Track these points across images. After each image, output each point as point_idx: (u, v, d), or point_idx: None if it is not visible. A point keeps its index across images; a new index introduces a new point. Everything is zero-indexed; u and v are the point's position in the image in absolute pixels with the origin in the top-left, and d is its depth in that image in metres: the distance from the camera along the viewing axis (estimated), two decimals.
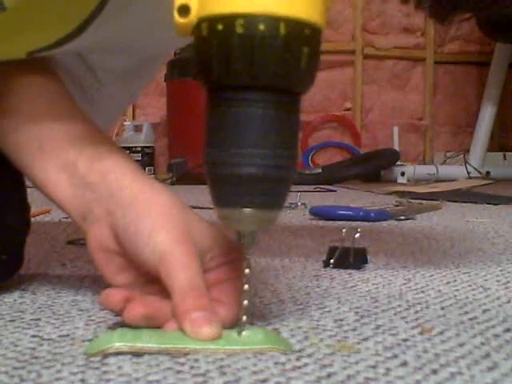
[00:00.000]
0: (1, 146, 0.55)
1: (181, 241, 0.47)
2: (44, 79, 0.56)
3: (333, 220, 1.19)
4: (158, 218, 0.48)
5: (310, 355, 0.42)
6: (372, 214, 1.21)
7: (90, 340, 0.45)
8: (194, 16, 0.41)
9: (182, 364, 0.40)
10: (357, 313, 0.53)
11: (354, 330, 0.48)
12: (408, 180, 2.51)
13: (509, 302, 0.58)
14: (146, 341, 0.42)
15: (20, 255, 0.61)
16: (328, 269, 0.72)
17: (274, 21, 0.40)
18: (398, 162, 2.62)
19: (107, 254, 0.50)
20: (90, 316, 0.52)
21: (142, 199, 0.49)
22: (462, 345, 0.45)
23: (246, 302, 0.44)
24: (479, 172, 2.65)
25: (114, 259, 0.50)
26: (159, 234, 0.47)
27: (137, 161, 2.64)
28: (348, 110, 3.05)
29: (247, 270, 0.44)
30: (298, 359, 0.41)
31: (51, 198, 0.54)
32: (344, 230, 0.74)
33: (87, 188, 0.52)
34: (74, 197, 0.52)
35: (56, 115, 0.55)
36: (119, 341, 0.42)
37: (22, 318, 0.50)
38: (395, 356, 0.42)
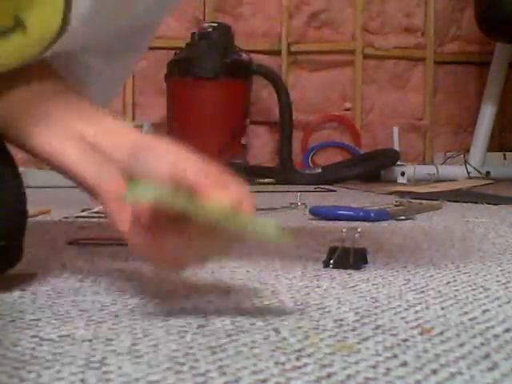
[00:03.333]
0: (3, 122, 0.58)
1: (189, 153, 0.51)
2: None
3: (333, 220, 1.19)
4: (167, 150, 0.52)
5: (309, 355, 0.42)
6: (372, 214, 1.20)
7: (89, 340, 0.45)
8: None
9: (182, 364, 0.40)
10: (357, 313, 0.53)
11: (354, 330, 0.48)
12: (408, 180, 2.51)
13: (509, 302, 0.58)
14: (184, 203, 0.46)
15: (19, 243, 0.60)
16: (328, 269, 0.72)
17: None
18: (398, 162, 2.62)
19: (120, 202, 0.53)
20: (90, 316, 0.52)
21: (150, 143, 0.53)
22: (461, 345, 0.45)
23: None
24: (479, 172, 2.65)
25: (126, 206, 0.52)
26: (170, 152, 0.51)
27: None
28: (348, 110, 3.04)
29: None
30: (297, 359, 0.41)
31: (59, 165, 0.57)
32: (344, 230, 0.74)
33: (95, 149, 0.55)
34: (83, 159, 0.56)
35: (63, 94, 0.59)
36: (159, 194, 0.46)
37: (22, 318, 0.50)
38: (395, 356, 0.42)
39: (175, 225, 0.49)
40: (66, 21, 0.56)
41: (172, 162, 0.50)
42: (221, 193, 0.47)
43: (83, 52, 0.68)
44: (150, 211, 0.48)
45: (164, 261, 0.52)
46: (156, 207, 0.48)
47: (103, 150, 0.55)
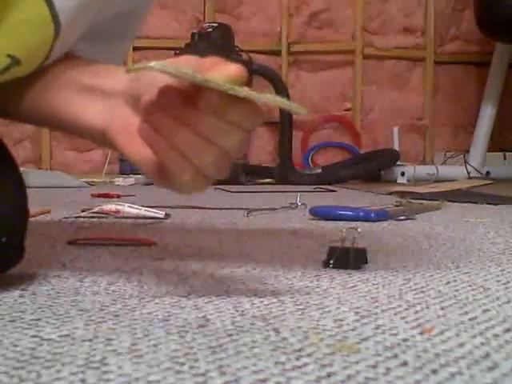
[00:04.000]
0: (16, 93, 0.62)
1: None
2: None
3: (333, 220, 1.19)
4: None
5: (309, 355, 0.42)
6: (372, 214, 1.20)
7: (90, 340, 0.45)
8: None
9: (182, 364, 0.40)
10: (357, 313, 0.53)
11: (354, 329, 0.48)
12: (408, 180, 2.51)
13: (509, 302, 0.58)
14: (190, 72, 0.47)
15: (20, 241, 0.60)
16: (328, 269, 0.72)
17: None
18: (398, 162, 2.62)
19: (130, 132, 0.53)
20: (90, 316, 0.52)
21: None
22: (461, 345, 0.45)
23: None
24: (479, 172, 2.65)
25: (136, 136, 0.53)
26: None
27: None
28: (348, 110, 3.04)
29: None
30: (297, 359, 0.41)
31: (67, 118, 0.59)
32: (344, 230, 0.74)
33: (95, 92, 0.58)
34: (88, 106, 0.57)
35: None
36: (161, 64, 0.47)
37: (22, 318, 0.50)
38: (395, 356, 0.42)
39: (184, 120, 0.50)
40: (57, 33, 0.58)
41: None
42: (222, 67, 0.49)
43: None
44: (159, 91, 0.49)
45: (181, 168, 0.51)
46: (163, 86, 0.49)
47: (104, 89, 0.57)
